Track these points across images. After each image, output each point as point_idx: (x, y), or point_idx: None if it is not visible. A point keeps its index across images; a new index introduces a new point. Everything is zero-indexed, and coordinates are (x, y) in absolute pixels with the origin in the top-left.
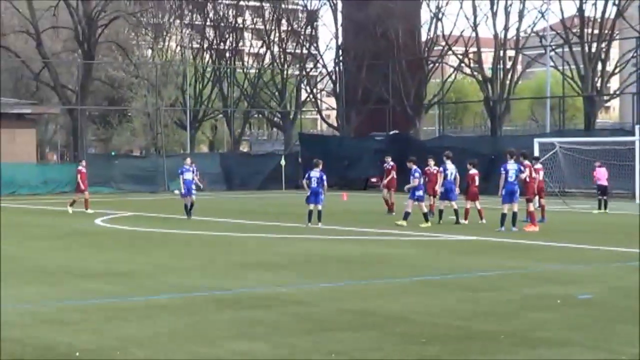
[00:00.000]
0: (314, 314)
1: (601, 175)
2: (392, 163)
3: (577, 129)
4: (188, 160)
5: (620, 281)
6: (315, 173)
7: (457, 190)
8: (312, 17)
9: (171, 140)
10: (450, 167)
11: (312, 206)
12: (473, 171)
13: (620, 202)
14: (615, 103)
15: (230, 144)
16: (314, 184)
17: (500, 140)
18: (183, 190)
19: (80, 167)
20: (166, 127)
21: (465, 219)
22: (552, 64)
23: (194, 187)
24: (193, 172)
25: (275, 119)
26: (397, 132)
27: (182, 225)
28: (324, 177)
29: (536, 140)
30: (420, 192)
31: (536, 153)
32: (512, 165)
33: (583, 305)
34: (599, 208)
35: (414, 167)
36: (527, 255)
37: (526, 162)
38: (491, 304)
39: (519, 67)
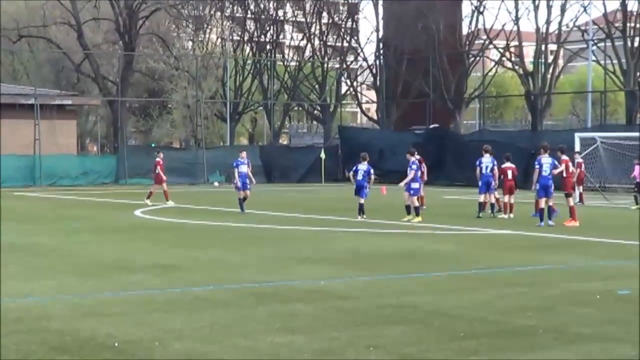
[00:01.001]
0: (354, 307)
1: (638, 172)
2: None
3: (618, 123)
4: (243, 154)
5: None
6: (362, 166)
7: (495, 183)
8: (353, 10)
9: (211, 132)
10: (486, 161)
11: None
12: (506, 165)
13: None
14: None
15: (269, 137)
16: (359, 177)
17: (540, 135)
18: (239, 183)
19: (158, 159)
20: (206, 120)
21: (505, 212)
22: (594, 58)
23: (248, 180)
24: (247, 165)
25: (315, 111)
26: (436, 125)
27: (223, 217)
28: (371, 171)
29: (577, 135)
30: (416, 185)
31: (577, 148)
32: (546, 159)
33: (622, 300)
34: (637, 203)
35: (412, 158)
36: (565, 250)
37: (564, 157)
38: (529, 299)
39: (561, 62)
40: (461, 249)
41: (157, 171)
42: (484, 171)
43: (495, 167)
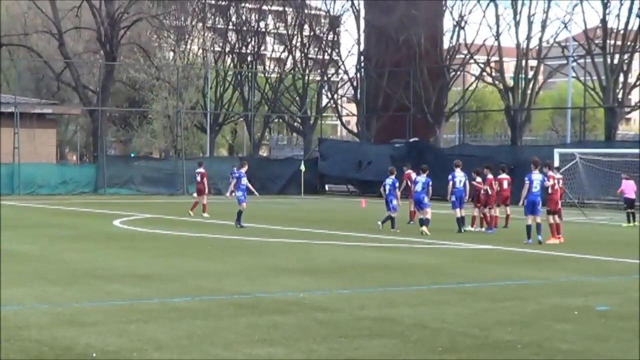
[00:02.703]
0: (333, 320)
1: (629, 187)
2: (408, 171)
3: (597, 140)
4: (246, 166)
5: (635, 293)
6: (389, 180)
7: (466, 198)
8: (335, 22)
9: (191, 143)
10: (459, 175)
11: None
12: (502, 175)
13: None
14: (636, 115)
15: (249, 148)
16: (387, 191)
17: (520, 150)
18: (242, 197)
19: (202, 170)
20: (186, 130)
21: (491, 225)
22: (573, 74)
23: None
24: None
25: (296, 124)
26: (416, 139)
27: (202, 228)
28: (396, 184)
29: (556, 151)
30: (395, 203)
31: (556, 163)
32: (536, 176)
33: (600, 316)
34: (628, 221)
35: (392, 176)
36: (546, 266)
37: (550, 172)
38: (510, 314)
39: (541, 77)
40: (443, 263)
41: (202, 182)
42: (457, 185)
43: (467, 182)
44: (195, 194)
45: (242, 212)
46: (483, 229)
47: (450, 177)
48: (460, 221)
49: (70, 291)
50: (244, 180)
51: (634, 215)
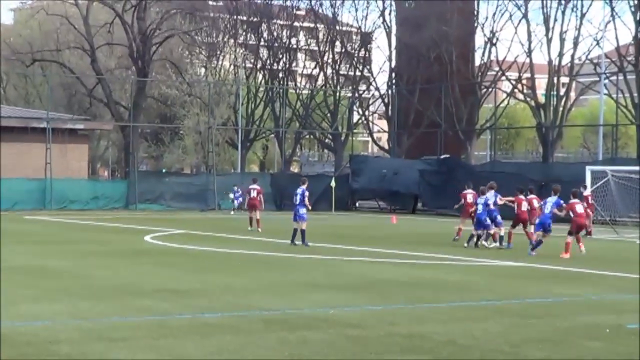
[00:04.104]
0: (363, 336)
1: None
2: (468, 190)
3: (629, 157)
4: (306, 183)
5: None
6: (299, 190)
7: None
8: (366, 39)
9: (222, 159)
10: (488, 195)
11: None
12: (531, 196)
13: None
14: None
15: (280, 164)
16: (297, 201)
17: (551, 167)
18: (305, 214)
19: (257, 186)
20: (217, 146)
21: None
22: (605, 91)
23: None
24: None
25: (327, 140)
26: (447, 155)
27: (234, 244)
28: (306, 194)
29: (588, 168)
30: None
31: (588, 181)
32: (550, 199)
33: (631, 334)
34: None
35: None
36: (577, 283)
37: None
38: (540, 331)
39: (573, 94)
40: (472, 279)
41: (259, 199)
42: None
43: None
44: (233, 210)
45: (305, 231)
46: (498, 244)
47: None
48: (501, 238)
49: (100, 307)
50: (306, 199)
51: None
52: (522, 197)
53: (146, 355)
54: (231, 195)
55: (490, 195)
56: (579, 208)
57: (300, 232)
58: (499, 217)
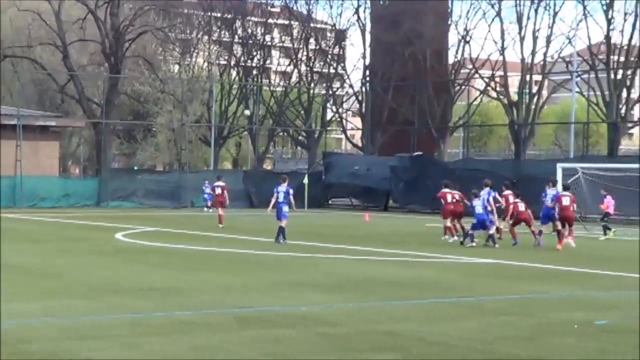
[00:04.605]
0: (337, 334)
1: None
2: (447, 190)
3: (600, 155)
4: (287, 181)
5: (636, 308)
6: (282, 188)
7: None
8: (341, 37)
9: (195, 156)
10: (482, 193)
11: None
12: (506, 192)
13: None
14: (638, 130)
15: (254, 162)
16: (282, 198)
17: (523, 164)
18: (287, 212)
19: (222, 183)
20: (190, 143)
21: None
22: (577, 89)
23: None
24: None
25: (300, 137)
26: (420, 153)
27: (206, 241)
28: (290, 192)
29: (559, 166)
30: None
31: (559, 178)
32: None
33: (601, 331)
34: (606, 234)
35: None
36: (549, 280)
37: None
38: (513, 328)
39: (545, 92)
40: (447, 277)
41: (223, 194)
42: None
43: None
44: (207, 207)
45: (284, 228)
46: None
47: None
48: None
49: (75, 304)
50: (291, 197)
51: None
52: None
53: (119, 354)
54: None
55: (485, 193)
56: (521, 206)
57: (279, 228)
58: (490, 217)
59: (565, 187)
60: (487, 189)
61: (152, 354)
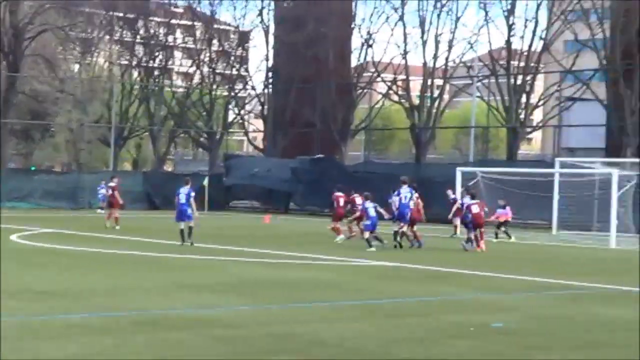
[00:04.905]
0: (234, 336)
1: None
2: (339, 193)
3: (499, 159)
4: (190, 183)
5: (533, 310)
6: (184, 190)
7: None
8: (244, 38)
9: (94, 157)
10: (405, 191)
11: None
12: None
13: (538, 233)
14: (537, 135)
15: (154, 163)
16: (184, 200)
17: (424, 168)
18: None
19: (113, 184)
20: (90, 144)
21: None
22: (478, 94)
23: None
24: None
25: (202, 139)
26: (321, 155)
27: (106, 243)
28: (192, 194)
29: (459, 169)
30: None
31: (458, 182)
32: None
33: (496, 333)
34: (497, 237)
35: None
36: (446, 283)
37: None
38: (410, 331)
39: (446, 96)
40: (346, 280)
41: (114, 195)
42: (403, 201)
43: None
44: (100, 208)
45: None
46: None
47: (396, 192)
48: (399, 235)
49: None
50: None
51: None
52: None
53: (8, 357)
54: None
55: (407, 190)
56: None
57: (187, 230)
58: (407, 214)
59: (472, 196)
60: (405, 186)
61: (42, 358)
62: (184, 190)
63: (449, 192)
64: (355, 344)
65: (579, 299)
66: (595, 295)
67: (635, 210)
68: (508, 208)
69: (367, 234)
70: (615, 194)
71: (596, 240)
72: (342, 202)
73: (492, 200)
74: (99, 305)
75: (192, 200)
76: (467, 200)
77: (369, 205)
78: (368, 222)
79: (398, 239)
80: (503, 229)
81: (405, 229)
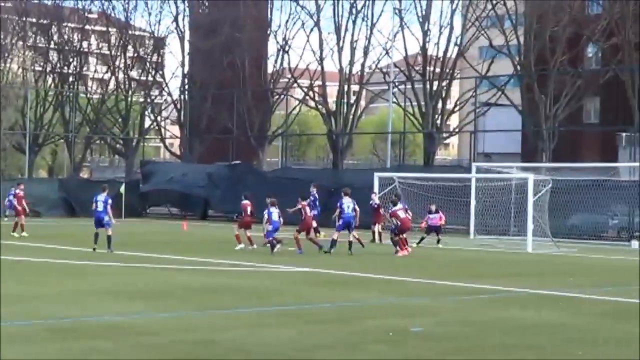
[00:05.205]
0: (154, 344)
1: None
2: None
3: (416, 164)
4: (107, 190)
5: (453, 314)
6: (101, 197)
7: (356, 222)
8: (159, 44)
9: (9, 164)
10: (347, 202)
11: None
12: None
13: (456, 238)
14: (454, 140)
15: (70, 170)
16: (102, 208)
17: (342, 174)
18: (110, 220)
19: (18, 191)
20: (4, 151)
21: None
22: (394, 100)
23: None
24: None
25: (118, 145)
26: (238, 162)
27: (20, 251)
28: (109, 201)
29: (376, 175)
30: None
31: (376, 187)
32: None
33: (415, 337)
34: (419, 243)
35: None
36: (367, 288)
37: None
38: (330, 336)
39: (363, 102)
40: (265, 285)
41: (21, 203)
42: (346, 211)
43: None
44: (5, 216)
45: (110, 236)
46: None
47: (338, 203)
48: (334, 243)
49: None
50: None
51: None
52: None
53: None
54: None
55: (348, 201)
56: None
57: (106, 237)
58: (340, 223)
59: (395, 202)
60: (347, 198)
61: None
62: (100, 198)
63: (374, 196)
64: (275, 349)
65: (497, 302)
66: (513, 299)
67: (551, 215)
68: (440, 213)
69: (269, 240)
70: (531, 199)
71: (513, 245)
72: (249, 210)
73: (409, 205)
74: (12, 313)
75: (109, 207)
76: (391, 206)
77: (274, 210)
78: (271, 228)
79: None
80: (436, 234)
81: (336, 236)
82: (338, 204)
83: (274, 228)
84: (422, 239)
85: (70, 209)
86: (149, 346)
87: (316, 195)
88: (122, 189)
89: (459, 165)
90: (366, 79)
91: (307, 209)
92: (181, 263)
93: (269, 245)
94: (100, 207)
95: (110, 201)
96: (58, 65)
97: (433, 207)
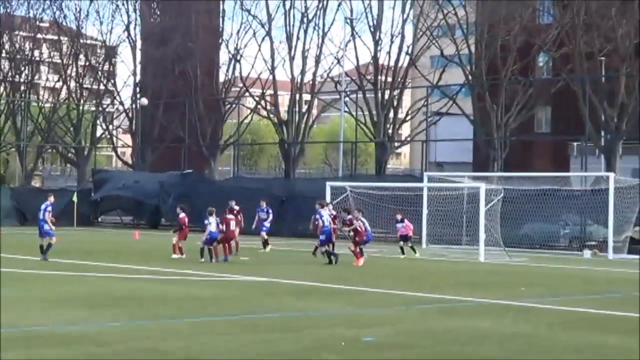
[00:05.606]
0: (106, 353)
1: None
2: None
3: (368, 173)
4: (51, 197)
5: (405, 324)
6: (43, 205)
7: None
8: (111, 53)
9: None
10: (326, 214)
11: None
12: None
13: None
14: (406, 149)
15: (21, 179)
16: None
17: (294, 183)
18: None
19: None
20: None
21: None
22: (346, 109)
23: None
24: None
25: (70, 154)
26: (190, 171)
27: None
28: (49, 209)
29: (328, 184)
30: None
31: (328, 197)
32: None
33: (367, 347)
34: (403, 253)
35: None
36: (319, 298)
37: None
38: (281, 346)
39: (315, 111)
40: (219, 294)
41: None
42: (326, 224)
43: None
44: None
45: (47, 245)
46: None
47: (318, 215)
48: (330, 254)
49: None
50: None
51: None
52: (231, 216)
53: None
54: None
55: (326, 212)
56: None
57: (46, 246)
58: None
59: (348, 212)
60: (325, 209)
61: None
62: (42, 206)
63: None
64: (228, 358)
65: (450, 312)
66: (466, 309)
67: (503, 224)
68: (407, 221)
69: (204, 246)
70: (483, 208)
71: (465, 254)
72: (186, 222)
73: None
74: None
75: (47, 215)
76: (345, 215)
77: (212, 220)
78: (208, 237)
79: (332, 258)
80: (407, 243)
81: (329, 248)
82: (317, 216)
83: (211, 238)
84: (402, 248)
85: (22, 217)
86: (101, 355)
87: (268, 209)
88: (75, 197)
89: (411, 174)
90: (318, 88)
91: (233, 223)
92: (134, 272)
93: (204, 250)
94: (40, 216)
95: (49, 209)
96: (9, 74)
97: (399, 217)
